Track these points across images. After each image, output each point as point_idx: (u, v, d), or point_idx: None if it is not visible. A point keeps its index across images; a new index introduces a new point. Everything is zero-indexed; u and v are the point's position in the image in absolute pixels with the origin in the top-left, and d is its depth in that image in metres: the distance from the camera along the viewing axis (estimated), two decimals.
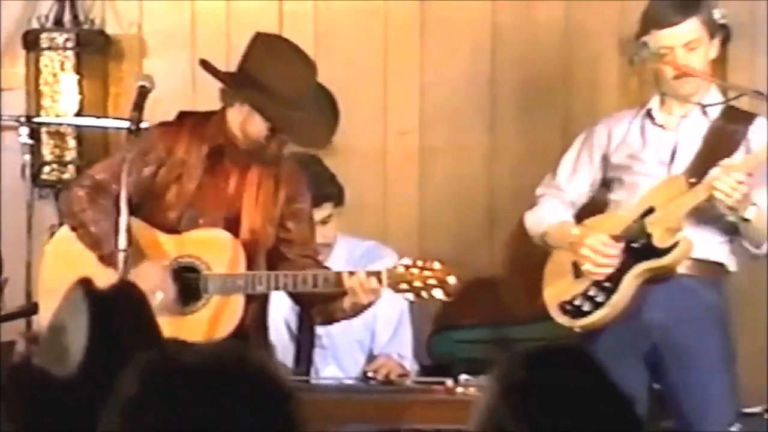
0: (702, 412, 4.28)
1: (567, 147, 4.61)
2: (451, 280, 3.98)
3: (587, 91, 5.27)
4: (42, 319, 4.28)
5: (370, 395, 4.50)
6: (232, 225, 4.14)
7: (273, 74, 4.08)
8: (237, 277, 4.07)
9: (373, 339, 4.84)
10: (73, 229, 4.20)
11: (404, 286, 3.98)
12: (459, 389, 4.34)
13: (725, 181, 4.16)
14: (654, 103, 4.45)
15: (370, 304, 4.05)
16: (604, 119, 4.59)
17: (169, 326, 3.99)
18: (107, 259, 4.07)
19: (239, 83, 4.13)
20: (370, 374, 4.68)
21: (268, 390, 2.01)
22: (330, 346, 4.82)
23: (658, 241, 4.29)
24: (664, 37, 4.31)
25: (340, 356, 4.83)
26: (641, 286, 4.31)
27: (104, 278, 3.92)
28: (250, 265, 4.10)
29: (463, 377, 4.36)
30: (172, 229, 4.14)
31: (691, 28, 4.30)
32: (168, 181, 4.15)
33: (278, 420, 2.00)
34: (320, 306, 4.18)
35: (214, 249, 4.10)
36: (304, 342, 4.81)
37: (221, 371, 1.99)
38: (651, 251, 4.30)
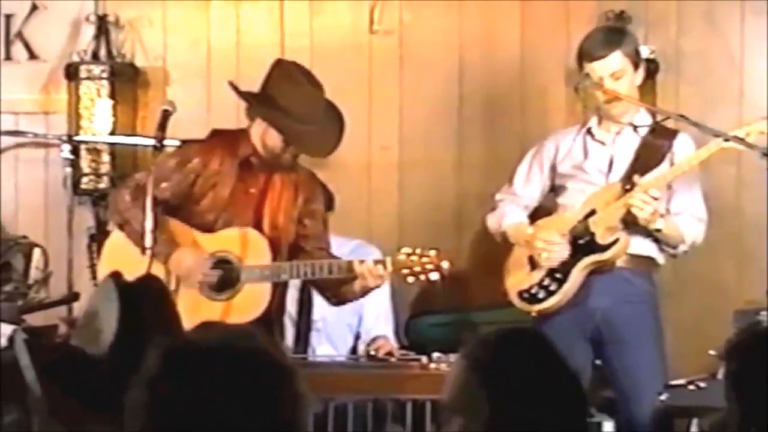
0: (636, 383, 4.27)
1: (511, 178, 4.58)
2: (445, 264, 4.02)
3: (539, 114, 5.25)
4: None
5: (357, 371, 4.47)
6: (258, 224, 4.14)
7: (286, 94, 4.10)
8: (264, 268, 4.07)
9: (360, 323, 4.81)
10: (120, 226, 4.19)
11: (406, 271, 4.00)
12: (432, 365, 4.31)
13: (638, 197, 4.17)
14: (593, 122, 4.45)
15: (376, 287, 4.07)
16: (552, 135, 4.58)
17: (207, 310, 3.99)
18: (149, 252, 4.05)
19: (258, 102, 4.15)
20: (372, 352, 4.64)
21: (273, 367, 1.96)
22: (324, 329, 4.79)
23: (600, 238, 4.29)
24: (593, 69, 4.31)
25: (332, 337, 4.80)
26: (587, 277, 4.30)
27: (150, 269, 3.93)
28: (275, 257, 4.10)
29: (435, 355, 4.33)
30: (209, 230, 4.13)
31: (615, 60, 4.29)
32: (205, 189, 4.14)
33: (282, 392, 1.95)
34: (333, 290, 4.18)
35: (245, 245, 4.09)
36: (303, 326, 4.78)
37: (232, 351, 1.96)
38: (594, 247, 4.29)
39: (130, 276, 4.01)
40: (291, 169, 4.19)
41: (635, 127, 4.38)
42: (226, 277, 4.09)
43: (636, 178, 4.24)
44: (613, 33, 4.44)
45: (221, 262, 4.09)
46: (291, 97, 4.08)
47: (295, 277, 4.13)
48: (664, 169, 4.31)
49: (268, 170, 4.17)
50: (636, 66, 4.34)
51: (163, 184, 4.09)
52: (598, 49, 4.31)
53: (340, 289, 4.13)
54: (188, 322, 3.78)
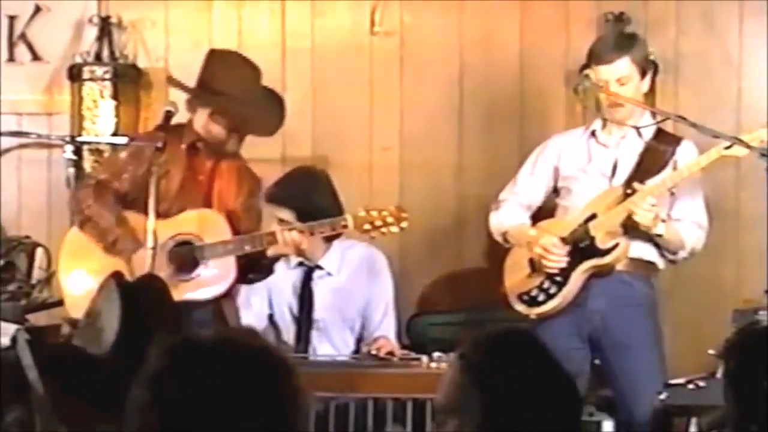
0: (634, 385, 4.27)
1: (522, 163, 4.59)
2: (404, 216, 4.13)
3: (539, 116, 5.24)
4: (69, 310, 4.28)
5: (358, 370, 4.46)
6: (208, 206, 4.23)
7: (224, 80, 4.19)
8: (227, 243, 4.14)
9: (363, 324, 4.81)
10: (81, 225, 4.24)
11: (368, 226, 4.11)
12: (433, 365, 4.30)
13: (640, 204, 4.16)
14: (597, 125, 4.44)
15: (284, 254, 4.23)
16: (556, 137, 4.57)
17: (177, 290, 4.01)
18: (111, 249, 4.14)
19: (200, 92, 4.22)
20: (373, 352, 4.64)
21: (273, 365, 1.96)
22: (324, 328, 4.78)
23: (600, 242, 4.28)
24: (600, 72, 4.30)
25: (332, 337, 4.79)
26: (586, 280, 4.29)
27: (111, 267, 3.96)
28: (234, 232, 4.18)
29: (436, 355, 4.33)
30: (165, 215, 4.16)
31: (622, 66, 4.29)
32: (158, 177, 4.14)
33: (282, 390, 1.94)
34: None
35: (203, 224, 4.18)
36: (303, 324, 4.77)
37: (233, 349, 1.95)
38: (594, 251, 4.28)
39: (90, 274, 4.09)
40: (235, 157, 4.26)
41: (638, 130, 4.35)
42: (189, 257, 4.14)
43: (636, 184, 4.23)
44: (624, 39, 4.44)
45: (182, 244, 4.15)
46: (229, 81, 4.18)
47: (259, 247, 4.17)
48: (665, 175, 4.29)
49: (214, 158, 4.23)
50: (644, 74, 4.34)
51: (124, 176, 4.18)
52: (606, 53, 4.30)
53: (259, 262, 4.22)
54: None
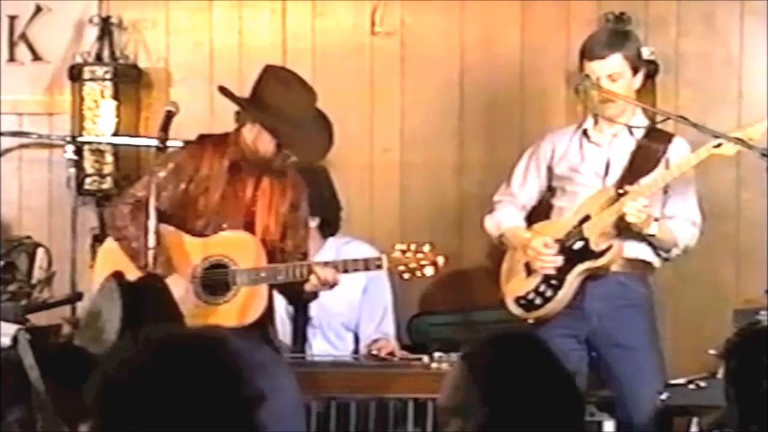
0: (634, 386, 4.27)
1: (509, 178, 4.58)
2: (440, 260, 4.02)
3: (540, 115, 5.24)
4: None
5: (359, 370, 4.46)
6: (249, 227, 4.10)
7: (279, 98, 4.06)
8: (261, 270, 4.04)
9: (359, 322, 4.80)
10: (117, 239, 4.15)
11: (401, 267, 4.02)
12: (433, 365, 4.30)
13: (631, 205, 4.15)
14: (588, 123, 4.43)
15: (326, 289, 4.07)
16: (548, 136, 4.55)
17: (205, 316, 3.97)
18: (144, 270, 4.01)
19: (251, 106, 4.10)
20: (374, 352, 4.64)
21: (230, 367, 1.93)
22: (319, 325, 4.79)
23: (594, 245, 4.28)
24: (592, 67, 4.30)
25: (328, 334, 4.80)
26: (582, 282, 4.29)
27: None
28: (269, 259, 4.07)
29: (436, 355, 4.33)
30: (201, 234, 4.09)
31: (614, 62, 4.28)
32: (197, 194, 4.10)
33: (239, 392, 1.92)
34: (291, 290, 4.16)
35: (239, 248, 4.06)
36: (300, 324, 4.77)
37: (188, 351, 1.92)
38: (588, 254, 4.28)
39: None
40: (281, 173, 4.15)
41: (630, 129, 4.35)
42: (222, 281, 4.05)
43: (628, 186, 4.22)
44: (616, 35, 4.42)
45: (216, 266, 4.06)
46: (283, 101, 4.05)
47: (292, 279, 4.06)
48: (657, 174, 4.29)
49: (257, 173, 4.13)
50: (635, 70, 4.33)
51: (163, 194, 4.05)
52: (598, 49, 4.30)
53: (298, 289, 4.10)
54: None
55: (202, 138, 4.22)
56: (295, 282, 4.05)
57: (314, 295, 4.19)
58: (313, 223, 4.65)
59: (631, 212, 4.15)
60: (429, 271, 4.00)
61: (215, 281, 4.05)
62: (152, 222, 3.88)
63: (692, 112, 4.58)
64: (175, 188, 4.09)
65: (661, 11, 5.21)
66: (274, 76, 4.15)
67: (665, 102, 5.05)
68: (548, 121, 5.16)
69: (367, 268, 4.15)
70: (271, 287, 4.13)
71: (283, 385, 3.91)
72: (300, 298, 4.25)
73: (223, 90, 4.16)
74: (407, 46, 5.36)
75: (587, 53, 4.32)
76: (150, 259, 3.86)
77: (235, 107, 4.14)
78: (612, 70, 4.27)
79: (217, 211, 4.09)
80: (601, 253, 4.26)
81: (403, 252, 4.00)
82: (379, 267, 4.08)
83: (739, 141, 4.18)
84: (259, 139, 4.07)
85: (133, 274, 3.95)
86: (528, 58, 5.31)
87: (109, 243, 4.22)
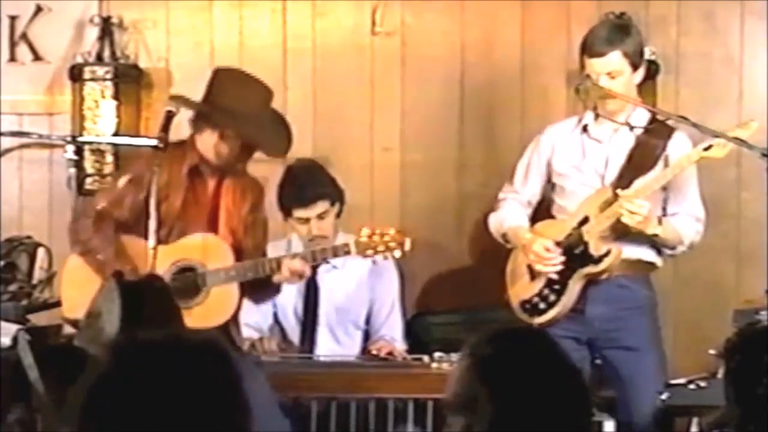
0: (636, 387, 4.26)
1: (512, 175, 4.57)
2: (407, 242, 4.11)
3: (540, 115, 5.23)
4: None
5: (358, 369, 4.46)
6: (213, 229, 4.13)
7: (237, 100, 4.06)
8: (230, 269, 4.06)
9: (367, 319, 4.82)
10: (81, 254, 4.15)
11: (370, 251, 4.09)
12: (434, 365, 4.31)
13: (627, 207, 4.12)
14: (589, 119, 4.38)
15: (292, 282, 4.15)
16: (548, 130, 4.51)
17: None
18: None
19: (210, 111, 4.09)
20: (374, 352, 4.65)
21: (220, 367, 1.92)
22: (327, 323, 4.79)
23: (594, 249, 4.26)
24: (592, 64, 4.26)
25: (337, 332, 4.80)
26: (584, 286, 4.27)
27: None
28: (237, 258, 4.10)
29: (437, 355, 4.33)
30: (166, 242, 4.07)
31: (612, 60, 4.23)
32: (158, 201, 4.04)
33: (230, 391, 1.91)
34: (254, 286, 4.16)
35: (206, 250, 4.09)
36: (309, 325, 4.77)
37: (178, 351, 1.92)
38: (588, 258, 4.27)
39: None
40: (240, 174, 4.16)
41: (631, 127, 4.33)
42: (191, 284, 4.06)
43: (619, 190, 4.19)
44: (616, 31, 4.33)
45: (184, 270, 4.07)
46: (241, 101, 4.05)
47: (262, 274, 4.09)
48: (654, 174, 4.25)
49: (217, 176, 4.13)
50: (635, 66, 4.28)
51: (124, 204, 4.06)
52: (598, 46, 4.25)
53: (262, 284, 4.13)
54: None
55: (162, 129, 4.21)
56: (260, 279, 4.07)
57: (277, 290, 4.23)
58: (335, 209, 4.70)
59: (626, 213, 4.13)
60: (397, 253, 4.09)
61: (185, 284, 4.05)
62: (152, 222, 3.88)
63: (692, 112, 4.57)
64: (135, 197, 4.08)
65: (661, 11, 5.21)
66: (227, 77, 4.16)
67: (665, 102, 5.05)
68: (548, 121, 5.12)
69: (335, 255, 4.22)
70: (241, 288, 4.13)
71: (252, 385, 3.88)
72: (266, 295, 4.27)
73: (177, 98, 4.15)
74: (407, 46, 5.36)
75: (587, 49, 4.28)
76: (150, 259, 3.86)
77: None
78: (611, 68, 4.23)
79: (179, 216, 4.10)
80: (600, 258, 4.24)
81: (370, 236, 4.07)
82: (347, 253, 4.15)
83: (739, 141, 4.17)
84: (221, 144, 4.07)
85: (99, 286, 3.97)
86: (528, 57, 5.31)
87: (72, 261, 4.23)
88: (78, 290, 4.13)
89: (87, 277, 4.11)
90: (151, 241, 3.85)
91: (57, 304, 4.76)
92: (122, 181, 4.10)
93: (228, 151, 4.07)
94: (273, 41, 5.38)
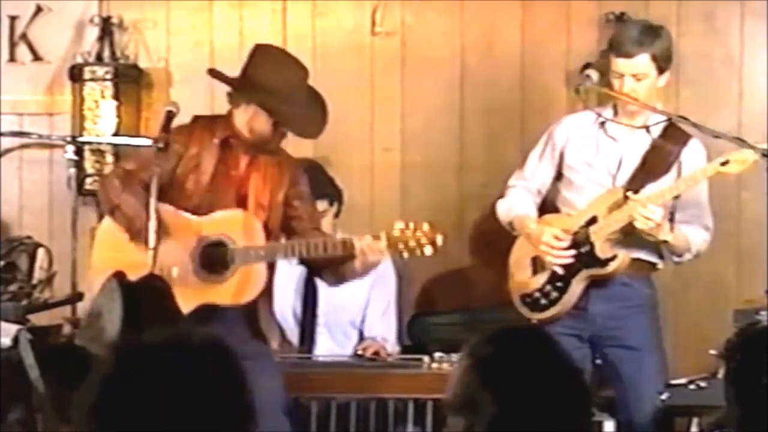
0: (637, 386, 4.26)
1: (524, 162, 4.57)
2: (439, 238, 3.93)
3: (540, 115, 5.23)
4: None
5: (361, 370, 4.47)
6: (242, 205, 4.07)
7: (271, 77, 4.05)
8: (259, 249, 4.00)
9: (364, 321, 4.82)
10: (111, 213, 4.14)
11: (401, 245, 3.92)
12: (434, 365, 4.31)
13: (641, 212, 4.10)
14: (608, 114, 4.33)
15: (377, 262, 3.99)
16: (565, 120, 4.45)
17: (203, 294, 3.94)
18: (137, 237, 4.00)
19: (245, 86, 4.09)
20: (359, 352, 4.66)
21: (223, 366, 1.92)
22: (326, 323, 4.80)
23: (600, 251, 4.24)
24: (618, 64, 4.21)
25: (334, 332, 4.80)
26: (586, 286, 4.27)
27: (137, 254, 3.89)
28: (268, 238, 4.04)
29: (436, 355, 4.33)
30: (194, 212, 4.06)
31: (640, 62, 4.18)
32: (187, 171, 4.07)
33: (233, 391, 1.92)
34: (332, 268, 4.10)
35: (237, 226, 4.02)
36: (307, 325, 4.78)
37: (182, 351, 1.92)
38: (593, 260, 4.25)
39: (120, 263, 3.97)
40: (275, 153, 4.13)
41: (648, 129, 4.29)
42: (221, 259, 4.02)
43: (630, 194, 4.17)
44: (647, 33, 4.25)
45: (215, 245, 4.03)
46: (276, 78, 4.03)
47: (291, 257, 4.05)
48: (667, 183, 4.23)
49: (250, 152, 4.10)
50: (662, 70, 4.23)
51: (152, 168, 3.99)
52: (627, 46, 4.19)
53: (338, 268, 4.06)
54: (184, 305, 3.76)
55: (195, 118, 4.20)
56: (334, 261, 4.00)
57: (351, 279, 4.12)
58: (333, 209, 4.69)
59: (639, 218, 4.10)
60: (428, 250, 3.92)
61: (214, 259, 4.02)
62: (152, 223, 3.88)
63: (692, 112, 4.57)
64: (163, 164, 4.03)
65: (661, 11, 5.21)
66: (265, 54, 4.14)
67: (665, 102, 5.02)
68: (549, 121, 5.12)
69: (369, 249, 4.02)
70: (310, 268, 4.08)
71: (266, 382, 3.88)
72: (339, 278, 4.15)
73: (213, 72, 4.15)
74: (408, 46, 5.36)
75: (615, 47, 4.22)
76: (150, 260, 3.85)
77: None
78: (638, 70, 4.18)
79: (208, 188, 4.07)
80: (606, 262, 4.23)
81: (402, 230, 3.93)
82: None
83: (739, 141, 4.17)
84: (254, 120, 4.05)
85: (127, 250, 3.97)
86: (528, 58, 5.32)
87: (105, 222, 4.20)
88: (108, 252, 4.10)
89: (117, 239, 4.08)
90: (152, 241, 3.84)
91: (57, 304, 4.77)
92: (152, 147, 4.02)
93: (261, 128, 4.05)
94: (273, 41, 5.35)
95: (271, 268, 4.10)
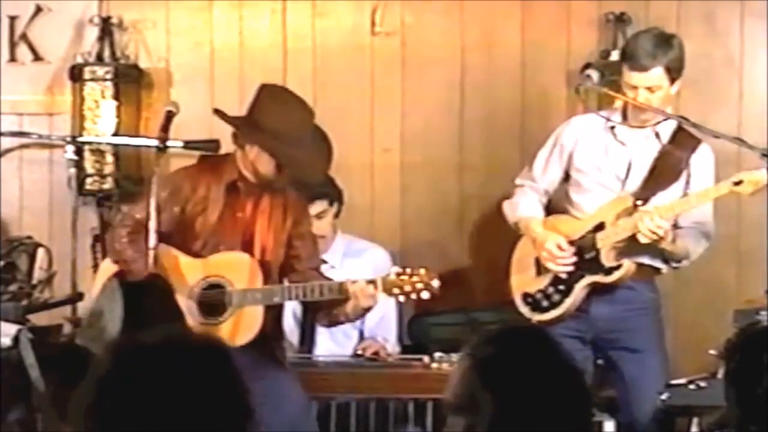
0: (639, 388, 4.26)
1: (524, 163, 4.58)
2: (435, 283, 3.96)
3: (540, 115, 5.24)
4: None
5: (361, 370, 4.47)
6: (248, 247, 4.11)
7: (276, 119, 4.05)
8: (256, 291, 4.04)
9: (363, 321, 4.82)
10: (115, 261, 4.16)
11: (396, 290, 3.96)
12: (434, 365, 4.31)
13: (646, 224, 4.10)
14: (617, 118, 4.32)
15: (369, 308, 4.03)
16: (574, 121, 4.46)
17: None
18: None
19: (248, 127, 4.09)
20: (359, 352, 4.66)
21: (220, 366, 1.93)
22: None
23: (605, 258, 4.24)
24: (631, 77, 4.19)
25: (334, 333, 4.81)
26: (589, 291, 4.27)
27: None
28: (266, 280, 4.07)
29: (436, 355, 4.34)
30: (199, 255, 4.10)
31: (654, 76, 4.17)
32: (195, 214, 4.11)
33: (229, 390, 1.92)
34: (325, 311, 4.14)
35: (236, 268, 4.07)
36: (307, 326, 4.78)
37: (179, 352, 1.92)
38: (598, 267, 4.25)
39: None
40: (279, 192, 4.15)
41: (658, 135, 4.28)
42: (218, 301, 4.05)
43: (641, 204, 4.16)
44: (661, 44, 4.21)
45: (213, 287, 4.07)
46: (281, 121, 4.03)
47: (287, 300, 4.11)
48: (677, 190, 4.23)
49: (256, 194, 4.13)
50: (673, 80, 4.20)
51: (162, 216, 4.03)
52: (641, 59, 4.16)
53: (332, 310, 4.09)
54: None
55: (202, 159, 4.24)
56: (328, 303, 4.04)
57: (343, 322, 4.17)
58: (333, 209, 4.69)
59: (645, 233, 4.09)
60: (425, 295, 3.95)
61: (212, 301, 4.06)
62: (152, 223, 3.89)
63: (692, 112, 4.57)
64: (172, 209, 4.10)
65: (661, 11, 5.21)
66: (270, 96, 4.14)
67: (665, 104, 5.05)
68: (548, 121, 5.15)
69: (362, 291, 4.01)
70: (311, 307, 4.15)
71: (287, 392, 3.92)
72: (332, 320, 4.18)
73: (219, 113, 4.15)
74: (407, 47, 5.36)
75: (628, 60, 4.19)
76: (151, 260, 3.87)
77: (237, 108, 4.13)
78: (652, 83, 4.16)
79: (214, 231, 4.10)
80: (611, 270, 4.23)
81: (399, 275, 3.96)
82: (375, 288, 3.99)
83: (739, 141, 4.17)
84: (258, 161, 4.07)
85: None
86: (528, 58, 5.32)
87: (107, 263, 4.22)
88: None
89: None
90: (152, 241, 3.84)
91: (57, 304, 4.77)
92: (162, 193, 4.05)
93: (265, 169, 4.07)
94: (273, 41, 5.39)
95: (276, 309, 4.13)
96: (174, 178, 4.19)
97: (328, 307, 4.09)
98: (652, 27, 4.63)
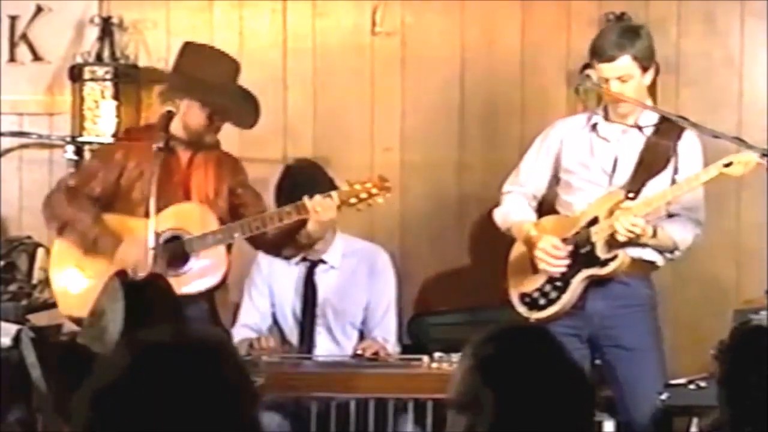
0: (636, 386, 4.26)
1: (516, 168, 4.58)
2: (388, 184, 4.15)
3: (540, 115, 5.25)
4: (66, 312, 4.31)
5: (361, 370, 4.48)
6: (186, 200, 4.21)
7: (203, 69, 4.16)
8: (215, 232, 4.14)
9: (364, 321, 4.83)
10: (59, 231, 4.22)
11: (354, 200, 4.12)
12: (434, 365, 4.32)
13: (622, 223, 4.13)
14: (598, 118, 4.37)
15: (330, 221, 4.17)
16: (558, 123, 4.51)
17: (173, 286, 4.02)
18: (92, 249, 4.16)
19: (177, 81, 4.22)
20: (359, 352, 4.67)
21: (226, 368, 1.94)
22: (324, 324, 4.81)
23: (600, 251, 4.25)
24: (602, 69, 4.25)
25: (334, 331, 4.82)
26: (586, 286, 4.29)
27: (97, 265, 3.98)
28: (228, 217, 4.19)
29: (436, 355, 4.34)
30: (145, 217, 4.15)
31: (623, 64, 4.21)
32: (131, 181, 4.19)
33: (236, 393, 1.93)
34: (288, 240, 4.25)
35: (188, 217, 4.18)
36: (307, 326, 4.79)
37: (186, 353, 1.93)
38: (593, 260, 4.26)
39: (81, 281, 4.09)
40: (212, 148, 4.25)
41: (641, 129, 4.32)
42: (180, 252, 4.14)
43: (628, 202, 4.20)
44: (626, 35, 4.28)
45: (171, 239, 4.15)
46: (207, 72, 4.15)
47: (248, 233, 4.18)
48: (666, 178, 4.25)
49: (190, 152, 4.23)
50: (645, 69, 4.25)
51: (92, 182, 4.18)
52: (607, 50, 4.22)
53: (295, 238, 4.20)
54: None
55: (129, 129, 4.37)
56: (289, 231, 4.13)
57: (310, 245, 4.29)
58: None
59: (621, 231, 4.13)
60: (380, 199, 4.13)
61: (174, 253, 4.14)
62: (152, 222, 3.92)
63: (692, 112, 4.59)
64: (106, 176, 4.20)
65: (661, 11, 5.23)
66: (194, 50, 4.27)
67: (665, 102, 5.05)
68: (548, 121, 5.14)
69: (320, 206, 4.13)
70: (268, 248, 4.24)
71: None
72: (298, 244, 4.29)
73: (146, 71, 4.28)
74: (408, 46, 5.38)
75: (596, 53, 4.26)
76: (151, 260, 3.90)
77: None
78: (621, 73, 4.21)
79: (155, 194, 4.13)
80: (606, 262, 4.25)
81: (351, 185, 4.11)
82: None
83: (739, 141, 4.19)
84: (188, 115, 4.17)
85: (84, 263, 4.05)
86: (528, 58, 5.33)
87: (57, 246, 4.32)
88: (69, 272, 4.22)
89: (73, 257, 4.22)
90: (152, 241, 3.87)
91: (57, 304, 4.78)
92: (94, 161, 4.24)
93: (195, 122, 4.16)
94: (273, 41, 5.40)
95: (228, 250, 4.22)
96: (105, 148, 4.36)
97: (290, 236, 4.19)
98: (620, 22, 4.68)
